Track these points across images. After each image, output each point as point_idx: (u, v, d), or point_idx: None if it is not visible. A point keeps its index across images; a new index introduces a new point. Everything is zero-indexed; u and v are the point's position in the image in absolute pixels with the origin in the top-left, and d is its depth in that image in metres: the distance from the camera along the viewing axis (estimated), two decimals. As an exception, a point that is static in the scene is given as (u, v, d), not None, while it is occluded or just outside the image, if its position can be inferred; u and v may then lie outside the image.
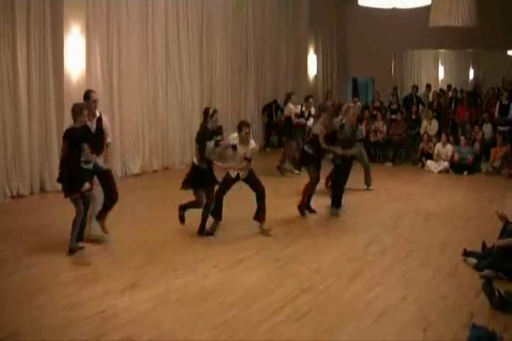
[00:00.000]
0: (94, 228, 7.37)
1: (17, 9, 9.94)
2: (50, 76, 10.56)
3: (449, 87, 19.18)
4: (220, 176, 7.96)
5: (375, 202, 10.08)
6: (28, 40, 10.20)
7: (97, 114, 7.45)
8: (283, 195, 10.21)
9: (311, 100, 13.33)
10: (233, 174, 7.85)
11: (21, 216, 8.63)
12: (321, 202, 9.55)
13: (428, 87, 18.59)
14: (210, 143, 7.66)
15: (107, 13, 11.65)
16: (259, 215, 7.98)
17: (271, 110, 16.92)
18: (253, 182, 7.98)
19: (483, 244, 7.06)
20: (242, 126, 7.87)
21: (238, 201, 8.13)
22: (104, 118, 7.58)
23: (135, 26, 12.35)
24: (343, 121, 9.41)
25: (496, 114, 15.28)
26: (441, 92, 18.36)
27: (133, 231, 7.87)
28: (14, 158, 10.07)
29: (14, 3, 9.89)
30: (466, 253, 7.04)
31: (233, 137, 7.88)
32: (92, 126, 7.34)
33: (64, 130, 10.55)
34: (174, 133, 13.59)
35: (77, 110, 6.97)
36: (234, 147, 7.79)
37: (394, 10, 13.37)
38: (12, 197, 9.84)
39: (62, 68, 10.67)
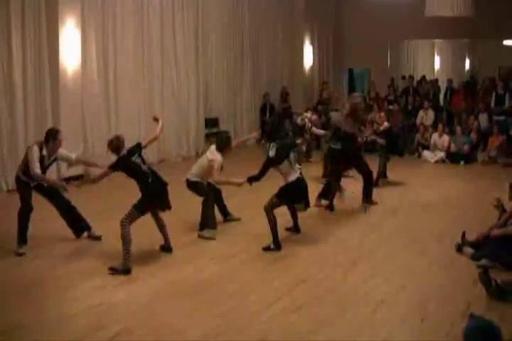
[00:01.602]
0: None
1: (12, 2, 9.89)
2: (45, 69, 10.53)
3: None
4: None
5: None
6: (23, 34, 10.14)
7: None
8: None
9: None
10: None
11: (17, 210, 8.60)
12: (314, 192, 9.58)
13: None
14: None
15: (102, 5, 11.59)
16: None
17: (265, 109, 16.93)
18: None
19: (463, 235, 7.09)
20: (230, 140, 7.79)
21: (236, 197, 8.16)
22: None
23: (130, 18, 12.30)
24: None
25: (492, 104, 15.28)
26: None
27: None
28: (10, 151, 10.06)
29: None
30: (460, 247, 7.03)
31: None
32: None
33: (60, 123, 10.70)
34: (170, 125, 13.54)
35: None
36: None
37: (390, 0, 13.36)
38: (8, 191, 9.83)
39: (58, 61, 10.65)
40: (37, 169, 6.82)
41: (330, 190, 9.20)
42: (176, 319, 5.18)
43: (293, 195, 7.23)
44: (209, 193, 7.67)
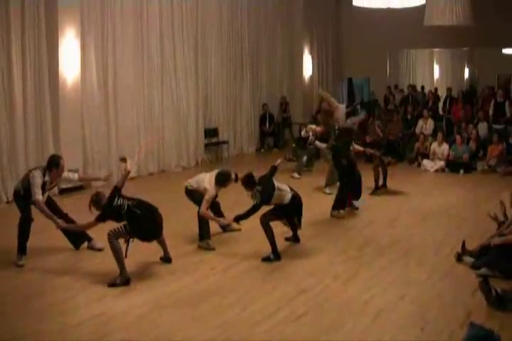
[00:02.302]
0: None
1: (12, 14, 9.96)
2: (45, 80, 10.58)
3: (414, 87, 19.16)
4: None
5: (370, 202, 10.07)
6: (23, 45, 10.21)
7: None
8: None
9: None
10: None
11: (16, 221, 8.60)
12: (316, 202, 9.58)
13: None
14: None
15: (102, 17, 11.66)
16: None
17: (265, 119, 16.97)
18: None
19: (463, 244, 7.08)
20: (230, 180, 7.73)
21: (236, 206, 8.15)
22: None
23: (129, 29, 12.35)
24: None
25: (491, 112, 15.28)
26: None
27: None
28: (10, 163, 10.09)
29: (9, 7, 9.92)
30: (460, 257, 7.01)
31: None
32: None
33: (60, 134, 10.72)
34: (170, 136, 13.58)
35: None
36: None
37: (389, 9, 13.39)
38: (8, 202, 9.84)
39: (57, 72, 10.69)
40: (38, 196, 6.86)
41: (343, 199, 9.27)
42: (176, 329, 5.18)
43: (288, 213, 7.40)
44: None
